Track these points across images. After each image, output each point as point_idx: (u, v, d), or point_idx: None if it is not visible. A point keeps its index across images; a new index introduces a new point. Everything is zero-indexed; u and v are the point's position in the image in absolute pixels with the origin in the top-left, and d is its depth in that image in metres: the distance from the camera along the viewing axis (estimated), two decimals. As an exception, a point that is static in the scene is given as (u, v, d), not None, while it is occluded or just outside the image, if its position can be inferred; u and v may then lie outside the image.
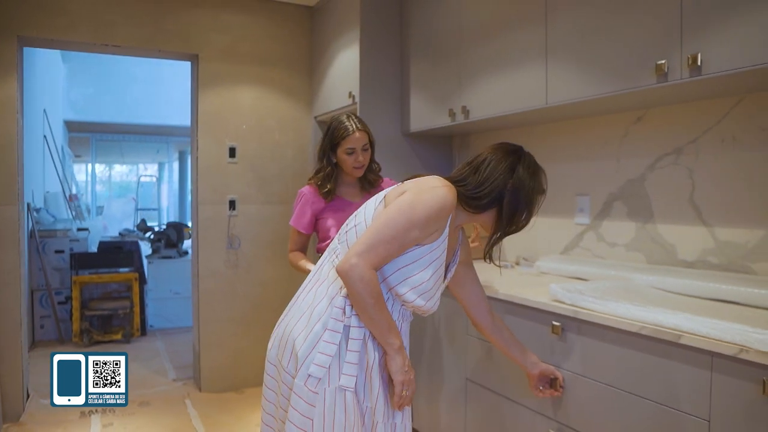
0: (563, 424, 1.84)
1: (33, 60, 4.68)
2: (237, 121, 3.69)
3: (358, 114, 3.06)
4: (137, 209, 9.85)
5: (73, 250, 5.04)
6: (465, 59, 2.68)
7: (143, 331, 5.16)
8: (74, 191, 7.38)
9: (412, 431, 2.08)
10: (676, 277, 1.95)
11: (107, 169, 13.24)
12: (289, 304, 1.52)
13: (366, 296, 1.31)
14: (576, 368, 1.79)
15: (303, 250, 2.32)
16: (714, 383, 1.38)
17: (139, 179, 11.20)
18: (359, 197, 2.25)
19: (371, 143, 2.21)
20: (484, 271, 2.06)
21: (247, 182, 3.74)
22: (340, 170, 2.23)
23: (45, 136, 5.85)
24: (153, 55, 3.63)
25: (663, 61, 1.74)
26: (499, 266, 1.73)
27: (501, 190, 1.44)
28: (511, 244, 2.90)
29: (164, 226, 6.08)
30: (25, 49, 3.34)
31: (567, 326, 1.81)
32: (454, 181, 1.47)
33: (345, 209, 2.18)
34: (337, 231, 1.58)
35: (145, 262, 5.52)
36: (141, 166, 13.21)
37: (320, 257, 1.59)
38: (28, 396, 3.39)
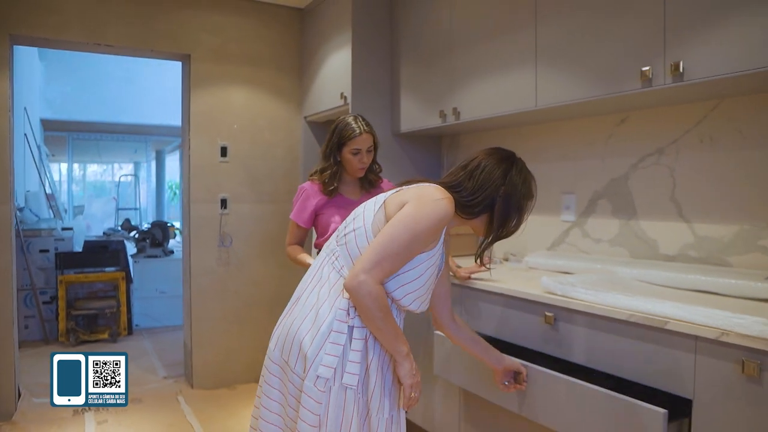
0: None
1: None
2: (228, 121, 3.74)
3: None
4: (118, 209, 9.76)
5: (58, 250, 5.01)
6: (456, 62, 2.78)
7: (129, 330, 5.15)
8: (50, 191, 7.29)
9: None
10: (658, 270, 2.07)
11: (81, 168, 13.05)
12: (290, 304, 1.55)
13: (375, 310, 1.37)
14: (568, 355, 1.90)
15: (301, 243, 2.39)
16: (697, 365, 1.50)
17: (119, 179, 11.07)
18: (358, 195, 2.33)
19: (375, 145, 2.30)
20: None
21: (239, 181, 3.79)
22: (342, 168, 2.31)
23: (26, 135, 5.79)
24: (145, 55, 3.66)
25: (647, 68, 1.86)
26: (489, 269, 1.79)
27: (494, 196, 1.49)
28: (500, 241, 3.01)
29: (149, 226, 6.07)
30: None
31: (559, 316, 1.92)
32: (449, 187, 1.50)
33: (345, 206, 2.26)
34: (337, 227, 1.63)
35: (130, 261, 5.51)
36: (116, 165, 13.06)
37: (318, 253, 1.64)
38: (19, 395, 3.39)
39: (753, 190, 1.98)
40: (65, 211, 7.83)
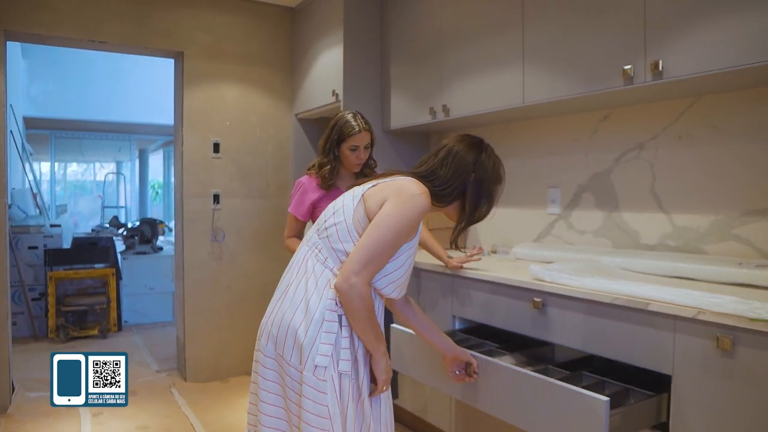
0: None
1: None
2: (221, 118, 3.80)
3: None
4: (104, 207, 9.71)
5: (47, 246, 5.01)
6: (445, 61, 2.88)
7: (119, 326, 5.17)
8: (36, 189, 7.25)
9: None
10: (639, 259, 2.18)
11: (61, 167, 12.92)
12: (276, 298, 1.56)
13: (362, 311, 1.44)
14: (555, 338, 2.00)
15: (299, 236, 2.47)
16: (676, 342, 1.61)
17: (105, 177, 11.01)
18: (354, 189, 2.42)
19: (372, 142, 2.39)
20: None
21: (231, 176, 3.85)
22: (339, 163, 2.39)
23: (11, 132, 5.76)
24: (139, 52, 3.70)
25: (629, 67, 1.98)
26: (465, 252, 1.84)
27: (465, 182, 1.56)
28: (488, 233, 3.12)
29: (137, 223, 6.08)
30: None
31: (547, 301, 2.03)
32: (422, 177, 1.56)
33: (341, 200, 2.34)
34: None
35: (119, 258, 5.52)
36: (98, 164, 12.95)
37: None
38: (13, 389, 3.41)
39: (727, 182, 2.11)
40: (48, 209, 7.77)
